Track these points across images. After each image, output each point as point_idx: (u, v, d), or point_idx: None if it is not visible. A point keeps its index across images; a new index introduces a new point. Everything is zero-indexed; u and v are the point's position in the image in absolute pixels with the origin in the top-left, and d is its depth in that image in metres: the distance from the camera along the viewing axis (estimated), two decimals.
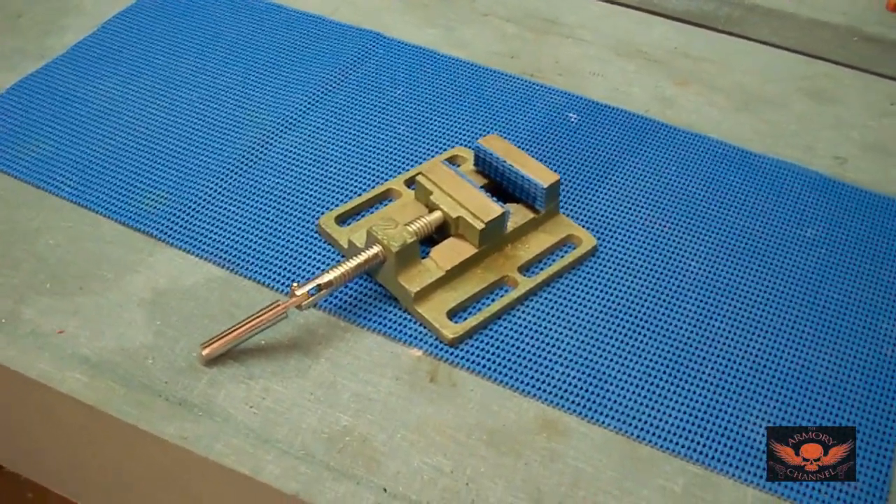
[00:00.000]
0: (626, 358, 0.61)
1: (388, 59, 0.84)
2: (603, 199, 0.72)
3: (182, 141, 0.74)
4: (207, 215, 0.68)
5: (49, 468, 0.69)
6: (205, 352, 0.58)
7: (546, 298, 0.64)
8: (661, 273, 0.67)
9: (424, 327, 0.62)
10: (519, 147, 0.69)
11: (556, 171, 0.68)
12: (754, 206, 0.72)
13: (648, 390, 0.59)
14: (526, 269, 0.65)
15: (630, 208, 0.71)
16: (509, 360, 0.60)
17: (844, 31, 0.88)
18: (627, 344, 0.62)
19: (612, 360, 0.61)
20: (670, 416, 0.58)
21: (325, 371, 0.59)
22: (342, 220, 0.68)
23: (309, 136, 0.75)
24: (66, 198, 0.69)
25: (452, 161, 0.73)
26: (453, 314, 0.62)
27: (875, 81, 0.87)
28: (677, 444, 0.57)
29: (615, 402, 0.58)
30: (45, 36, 0.84)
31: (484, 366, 0.60)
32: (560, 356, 0.61)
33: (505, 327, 0.62)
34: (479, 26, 0.89)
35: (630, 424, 0.57)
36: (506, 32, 0.89)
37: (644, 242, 0.69)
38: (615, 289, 0.65)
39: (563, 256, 0.66)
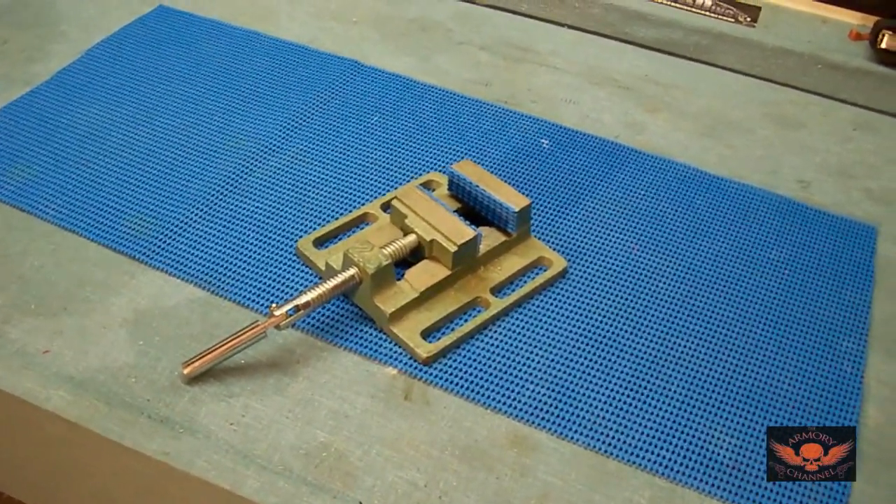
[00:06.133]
0: (594, 376, 0.63)
1: (366, 86, 0.86)
2: (573, 222, 0.74)
3: (165, 166, 0.75)
4: (189, 238, 0.69)
5: (33, 485, 0.69)
6: (186, 370, 0.59)
7: (517, 319, 0.66)
8: (630, 294, 0.68)
9: (399, 347, 0.63)
10: (493, 172, 0.71)
11: (528, 195, 0.70)
12: (721, 229, 0.74)
13: (616, 407, 0.61)
14: (498, 290, 0.67)
15: (600, 231, 0.73)
16: (481, 378, 0.62)
17: (808, 59, 0.90)
18: (596, 362, 0.63)
19: (581, 377, 0.62)
20: (637, 431, 0.60)
21: (303, 389, 0.60)
22: (320, 243, 0.69)
23: (288, 161, 0.77)
24: (50, 221, 0.70)
25: (427, 186, 0.74)
26: (427, 334, 0.63)
27: (838, 107, 0.89)
28: (644, 458, 0.58)
29: (584, 418, 0.60)
30: (30, 62, 0.86)
31: (457, 384, 0.61)
32: (531, 374, 0.62)
33: (477, 347, 0.64)
34: (454, 55, 0.91)
35: (598, 440, 0.59)
36: (480, 60, 0.91)
37: (613, 264, 0.70)
38: (585, 309, 0.67)
39: (534, 278, 0.68)
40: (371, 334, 0.64)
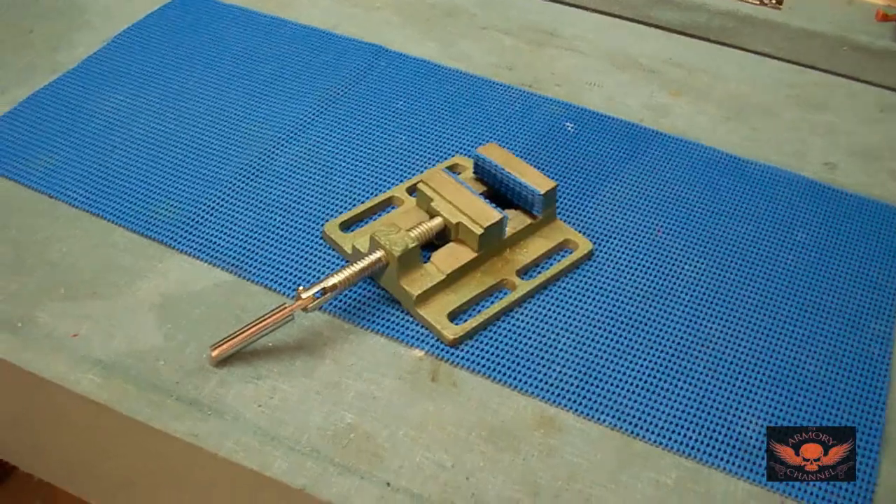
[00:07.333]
0: (621, 357, 0.63)
1: (390, 71, 0.86)
2: (599, 204, 0.73)
3: (190, 151, 0.76)
4: (216, 223, 0.70)
5: (62, 467, 0.70)
6: (214, 353, 0.59)
7: (543, 301, 0.66)
8: (655, 276, 0.68)
9: (426, 329, 0.63)
10: (518, 155, 0.71)
11: (553, 178, 0.70)
12: (746, 211, 0.74)
13: (643, 388, 0.61)
14: (524, 272, 0.67)
15: (625, 214, 0.73)
16: (508, 359, 0.62)
17: (834, 41, 0.90)
18: (622, 344, 0.63)
19: (607, 359, 0.62)
20: (664, 412, 0.60)
21: (330, 371, 0.61)
22: (346, 226, 0.69)
23: (314, 146, 0.77)
24: (78, 207, 0.70)
25: (452, 169, 0.74)
26: (454, 316, 0.64)
27: (863, 89, 0.89)
28: (670, 439, 0.58)
29: (610, 399, 0.60)
30: (55, 51, 0.86)
31: (483, 365, 0.61)
32: (557, 356, 0.62)
33: (504, 328, 0.64)
34: (477, 39, 0.91)
35: (625, 421, 0.59)
36: (504, 45, 0.91)
37: (638, 246, 0.70)
38: (610, 291, 0.67)
39: (559, 260, 0.68)
40: (397, 316, 0.64)
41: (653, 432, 0.59)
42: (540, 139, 0.79)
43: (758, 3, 0.94)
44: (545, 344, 0.63)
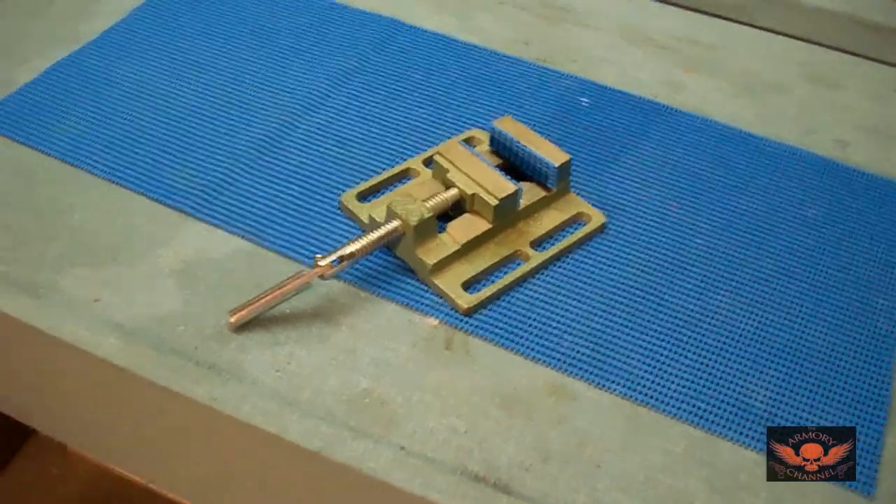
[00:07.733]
0: (632, 328, 0.63)
1: (407, 44, 0.87)
2: (612, 178, 0.74)
3: (209, 122, 0.76)
4: (234, 192, 0.71)
5: (82, 431, 0.71)
6: (232, 319, 0.60)
7: (556, 272, 0.67)
8: (667, 249, 0.69)
9: (440, 298, 0.64)
10: (532, 129, 0.71)
11: (567, 151, 0.70)
12: (758, 187, 0.74)
13: (653, 358, 0.62)
14: (538, 244, 0.68)
15: (638, 188, 0.74)
16: (521, 328, 0.63)
17: (848, 20, 0.90)
18: (634, 314, 0.64)
19: (618, 329, 0.63)
20: (673, 382, 0.60)
21: (347, 338, 0.62)
22: (363, 196, 0.70)
23: (331, 117, 0.78)
24: (98, 175, 0.71)
25: (468, 142, 0.75)
26: (468, 286, 0.64)
27: (877, 68, 0.89)
28: (679, 408, 0.59)
29: (621, 368, 0.61)
30: (76, 22, 0.87)
31: (497, 334, 0.62)
32: (569, 325, 0.63)
33: (517, 298, 0.65)
34: (494, 14, 0.92)
35: (635, 390, 0.60)
36: (520, 20, 0.91)
37: (651, 220, 0.71)
38: (623, 263, 0.68)
39: (573, 232, 0.69)
40: (413, 285, 0.65)
41: (662, 401, 0.59)
42: (555, 113, 0.80)
43: None
44: (557, 314, 0.64)
